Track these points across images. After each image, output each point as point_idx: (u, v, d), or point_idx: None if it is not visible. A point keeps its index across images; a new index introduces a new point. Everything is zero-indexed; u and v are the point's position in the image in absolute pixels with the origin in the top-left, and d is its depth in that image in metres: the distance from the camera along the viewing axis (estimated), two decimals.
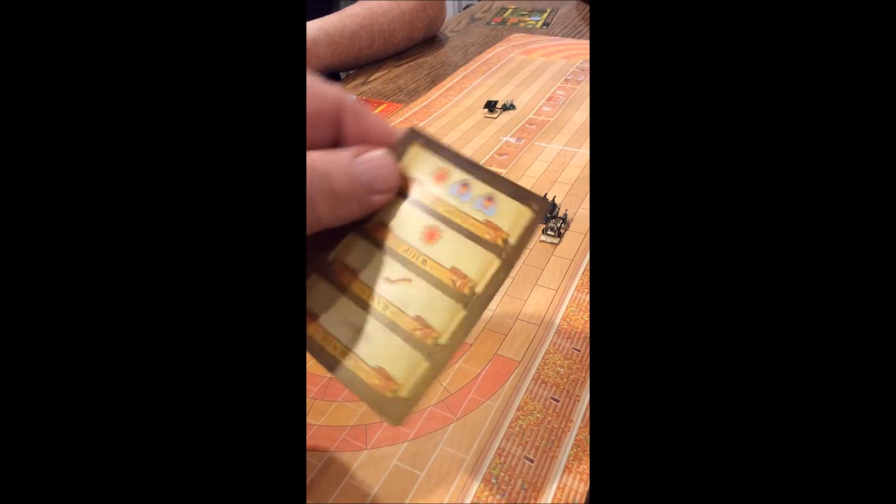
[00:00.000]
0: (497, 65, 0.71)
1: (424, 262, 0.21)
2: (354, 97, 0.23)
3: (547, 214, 0.42)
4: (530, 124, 0.56)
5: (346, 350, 0.21)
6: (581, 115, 0.57)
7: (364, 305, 0.21)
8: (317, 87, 0.22)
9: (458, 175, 0.22)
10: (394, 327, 0.21)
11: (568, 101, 0.61)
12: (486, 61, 0.72)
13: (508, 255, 0.21)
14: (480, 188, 0.22)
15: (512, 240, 0.21)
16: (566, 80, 0.65)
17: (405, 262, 0.21)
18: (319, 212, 0.20)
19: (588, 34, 0.81)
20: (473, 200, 0.21)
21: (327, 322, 0.21)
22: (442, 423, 0.28)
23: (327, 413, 0.29)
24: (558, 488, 0.25)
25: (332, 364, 0.21)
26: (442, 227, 0.21)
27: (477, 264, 0.21)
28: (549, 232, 0.40)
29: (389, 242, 0.22)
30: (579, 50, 0.74)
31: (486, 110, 0.59)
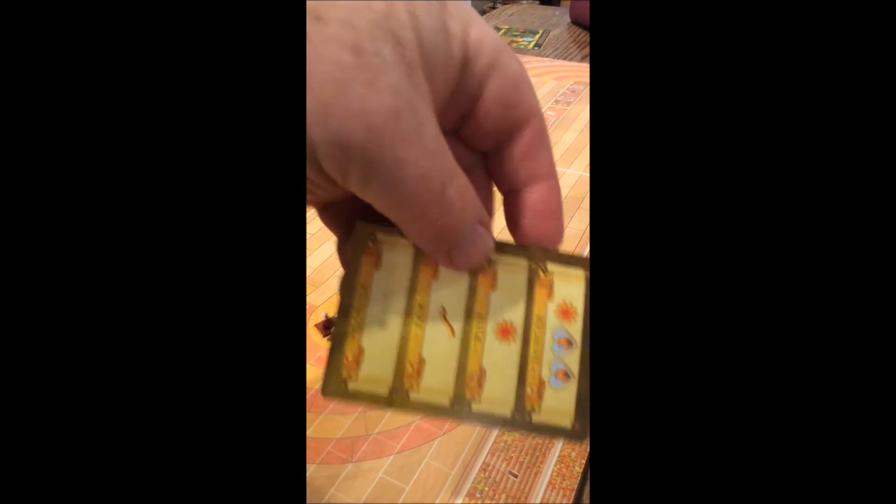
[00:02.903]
0: None
1: (478, 338, 0.19)
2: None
3: None
4: None
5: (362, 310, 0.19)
6: (571, 136, 0.58)
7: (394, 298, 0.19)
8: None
9: (577, 327, 0.19)
10: (403, 340, 0.19)
11: (558, 121, 0.62)
12: None
13: (519, 427, 0.18)
14: (572, 359, 0.19)
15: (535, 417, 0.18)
16: (557, 102, 0.66)
17: (465, 314, 0.19)
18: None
19: (578, 57, 0.83)
20: (555, 359, 0.19)
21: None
22: (428, 437, 0.28)
23: (314, 425, 0.29)
24: None
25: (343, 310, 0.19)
26: (519, 336, 0.19)
27: (497, 389, 0.19)
28: None
29: (479, 291, 0.19)
30: (570, 72, 0.75)
31: None
